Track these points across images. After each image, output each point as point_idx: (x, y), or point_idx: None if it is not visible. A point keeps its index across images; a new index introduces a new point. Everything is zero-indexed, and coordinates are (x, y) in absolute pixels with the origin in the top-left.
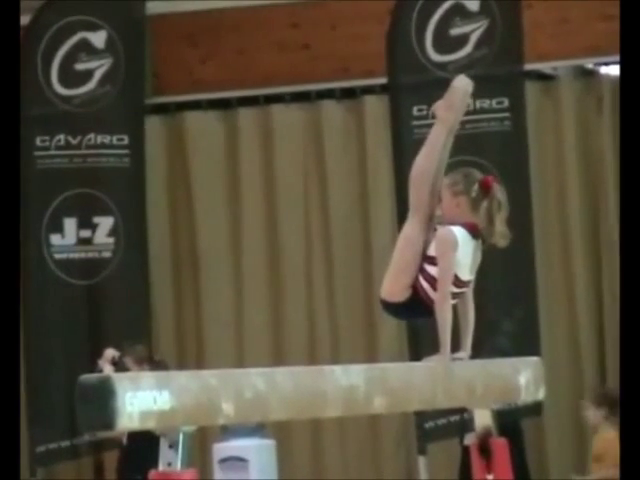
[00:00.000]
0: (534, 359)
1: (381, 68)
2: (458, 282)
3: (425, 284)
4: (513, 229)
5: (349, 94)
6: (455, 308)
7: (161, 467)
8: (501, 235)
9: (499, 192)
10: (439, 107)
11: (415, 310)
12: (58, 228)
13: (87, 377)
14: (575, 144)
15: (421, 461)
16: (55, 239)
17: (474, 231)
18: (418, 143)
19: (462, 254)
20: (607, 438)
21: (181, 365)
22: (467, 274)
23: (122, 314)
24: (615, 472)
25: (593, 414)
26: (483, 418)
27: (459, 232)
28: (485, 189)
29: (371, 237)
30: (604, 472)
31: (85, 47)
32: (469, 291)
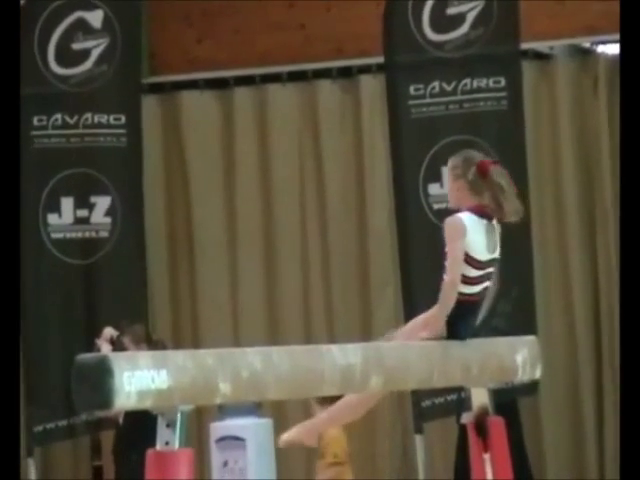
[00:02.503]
0: (530, 338)
1: (377, 48)
2: (476, 263)
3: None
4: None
5: (345, 74)
6: None
7: (158, 446)
8: (512, 214)
9: (496, 174)
10: None
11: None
12: (55, 207)
13: (84, 357)
14: (571, 123)
15: (418, 440)
16: (52, 218)
17: (481, 212)
18: (415, 122)
19: (473, 237)
20: (329, 435)
21: (177, 344)
22: (485, 254)
23: (119, 293)
24: (336, 470)
25: (318, 412)
26: (480, 397)
27: (466, 217)
28: (481, 172)
29: (367, 217)
30: (327, 471)
31: (82, 27)
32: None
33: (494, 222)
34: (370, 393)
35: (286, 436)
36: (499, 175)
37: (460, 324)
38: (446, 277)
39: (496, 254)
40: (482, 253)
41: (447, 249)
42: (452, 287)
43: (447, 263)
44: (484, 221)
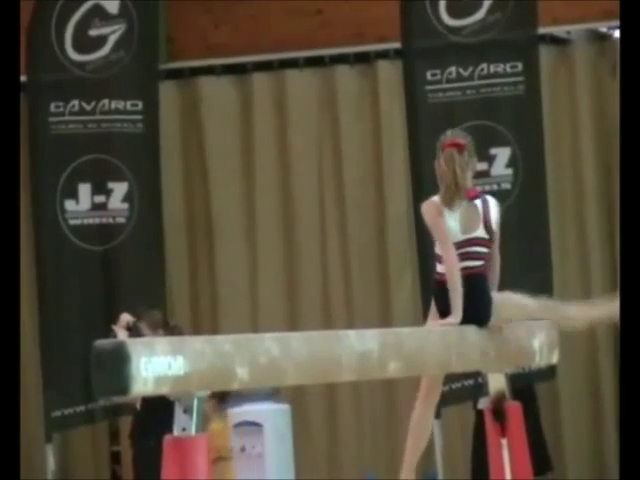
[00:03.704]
0: (548, 322)
1: (394, 33)
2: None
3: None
4: (527, 194)
5: (363, 59)
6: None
7: (175, 432)
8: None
9: (444, 156)
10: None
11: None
12: (73, 194)
13: (102, 342)
14: (589, 108)
15: (435, 425)
16: (70, 205)
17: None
18: (432, 107)
19: (446, 219)
20: (211, 428)
21: (196, 330)
22: (458, 235)
23: (137, 279)
24: (220, 466)
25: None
26: (497, 382)
27: (437, 198)
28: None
29: (385, 202)
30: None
31: (98, 13)
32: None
33: (478, 201)
34: (428, 402)
35: None
36: (445, 159)
37: (441, 303)
38: (444, 263)
39: (477, 233)
40: (455, 235)
41: (433, 235)
42: (452, 269)
43: (440, 248)
44: (462, 202)
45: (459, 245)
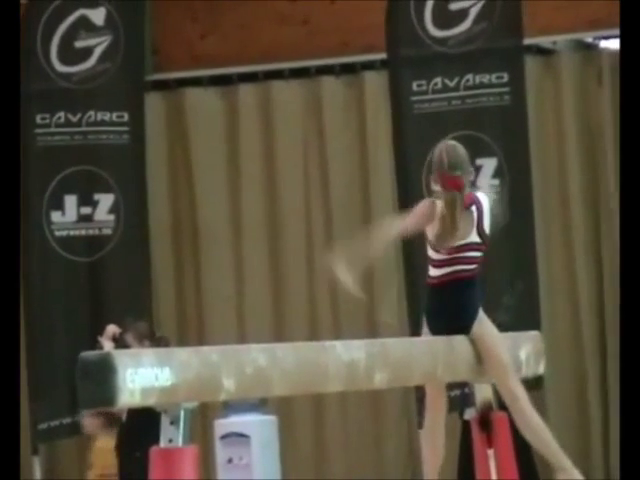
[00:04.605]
0: (534, 333)
1: (381, 43)
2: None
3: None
4: (513, 204)
5: (349, 70)
6: None
7: (162, 444)
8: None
9: (446, 199)
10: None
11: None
12: (58, 205)
13: (88, 354)
14: (575, 118)
15: (422, 435)
16: (55, 216)
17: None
18: (417, 118)
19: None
20: (98, 447)
21: (182, 341)
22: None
23: (123, 291)
24: None
25: (89, 422)
26: (484, 392)
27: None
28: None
29: (371, 212)
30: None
31: (84, 24)
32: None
33: (473, 207)
34: (435, 410)
35: None
36: (447, 202)
37: (429, 305)
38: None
39: (470, 239)
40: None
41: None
42: (379, 238)
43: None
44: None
45: (453, 251)
